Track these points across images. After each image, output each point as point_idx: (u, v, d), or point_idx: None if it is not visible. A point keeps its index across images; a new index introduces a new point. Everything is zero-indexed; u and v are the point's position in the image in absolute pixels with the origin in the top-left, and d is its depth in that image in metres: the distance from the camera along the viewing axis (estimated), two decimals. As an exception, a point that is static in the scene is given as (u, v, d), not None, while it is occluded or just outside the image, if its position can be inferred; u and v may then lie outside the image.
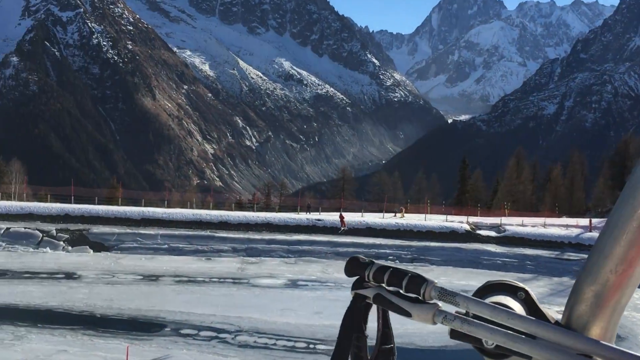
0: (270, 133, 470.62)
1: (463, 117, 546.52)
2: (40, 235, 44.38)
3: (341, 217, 50.21)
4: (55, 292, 34.65)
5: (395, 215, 56.67)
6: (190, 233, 47.29)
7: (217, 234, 47.49)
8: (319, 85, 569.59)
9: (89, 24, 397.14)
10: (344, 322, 1.43)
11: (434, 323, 1.25)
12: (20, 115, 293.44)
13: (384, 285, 1.37)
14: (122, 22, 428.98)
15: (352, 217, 52.93)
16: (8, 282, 36.19)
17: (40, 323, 29.71)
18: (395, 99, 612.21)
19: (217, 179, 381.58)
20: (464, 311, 1.24)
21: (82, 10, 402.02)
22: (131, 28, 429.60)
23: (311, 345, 28.88)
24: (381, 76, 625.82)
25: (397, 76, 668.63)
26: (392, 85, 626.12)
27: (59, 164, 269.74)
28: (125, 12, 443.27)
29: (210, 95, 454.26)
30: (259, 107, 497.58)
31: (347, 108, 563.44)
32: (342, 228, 49.53)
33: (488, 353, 1.23)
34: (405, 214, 57.12)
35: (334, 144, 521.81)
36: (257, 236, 48.03)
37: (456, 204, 71.59)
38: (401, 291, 1.32)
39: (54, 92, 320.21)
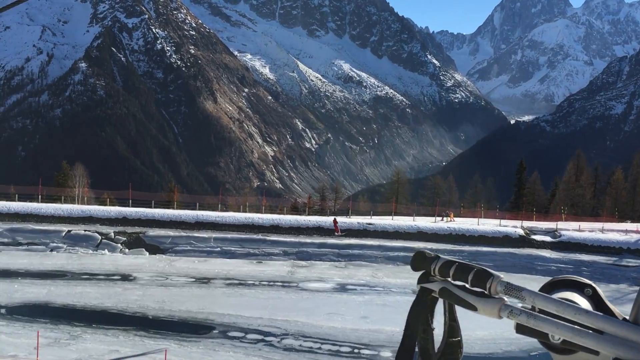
0: (329, 135, 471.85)
1: (526, 118, 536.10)
2: (99, 237, 45.99)
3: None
4: (111, 293, 35.92)
5: (442, 220, 56.16)
6: (243, 236, 48.09)
7: (268, 238, 48.13)
8: (378, 86, 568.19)
9: (154, 29, 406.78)
10: (410, 314, 1.48)
11: (500, 317, 1.26)
12: (88, 119, 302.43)
13: (449, 279, 1.41)
14: (185, 27, 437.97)
15: (403, 222, 52.80)
16: (67, 283, 37.69)
17: (95, 323, 30.88)
18: (456, 100, 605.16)
19: (276, 181, 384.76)
20: (529, 306, 1.25)
21: (146, 16, 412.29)
22: (194, 33, 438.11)
23: (356, 350, 29.10)
24: (442, 77, 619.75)
25: (458, 77, 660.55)
26: (452, 86, 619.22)
27: (125, 166, 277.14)
28: (188, 17, 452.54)
29: (270, 98, 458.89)
30: (318, 109, 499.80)
31: (407, 109, 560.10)
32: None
33: (554, 348, 1.26)
34: (454, 218, 56.59)
35: (394, 146, 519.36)
36: (308, 240, 48.45)
37: (512, 208, 70.35)
38: (467, 285, 1.36)
39: (120, 97, 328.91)
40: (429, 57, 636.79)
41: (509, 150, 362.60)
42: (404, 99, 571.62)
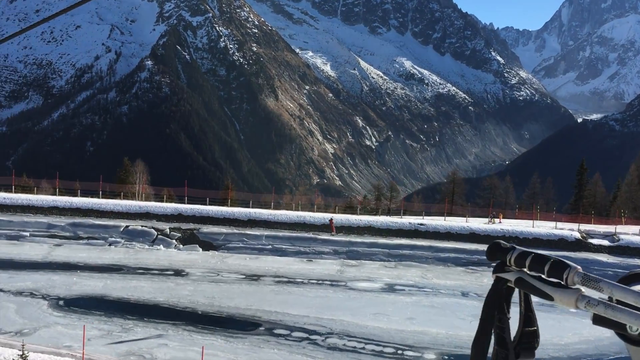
0: (390, 133, 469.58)
1: (594, 117, 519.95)
2: (155, 233, 47.39)
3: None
4: (164, 288, 37.05)
5: (490, 221, 55.34)
6: (294, 234, 48.71)
7: (319, 236, 48.59)
8: (440, 84, 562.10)
9: (217, 28, 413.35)
10: (486, 304, 1.51)
11: (577, 307, 1.29)
12: (153, 116, 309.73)
13: (525, 269, 1.44)
14: (248, 25, 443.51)
15: (455, 223, 52.40)
16: (123, 277, 39.06)
17: (147, 317, 31.95)
18: (521, 98, 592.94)
19: (336, 178, 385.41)
20: (607, 297, 1.25)
21: (210, 15, 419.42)
22: (256, 31, 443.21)
23: (399, 351, 29.19)
24: (506, 74, 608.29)
25: (523, 74, 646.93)
26: (517, 83, 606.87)
27: (188, 162, 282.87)
28: (251, 15, 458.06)
29: (331, 95, 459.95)
30: (379, 106, 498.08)
31: (470, 107, 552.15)
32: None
33: (631, 339, 1.26)
34: (502, 220, 55.74)
35: (455, 144, 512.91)
36: (358, 239, 48.68)
37: (572, 210, 68.73)
38: (543, 276, 1.39)
39: (184, 94, 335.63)
40: (493, 54, 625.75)
41: (575, 150, 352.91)
42: (467, 97, 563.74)
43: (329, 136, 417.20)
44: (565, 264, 1.34)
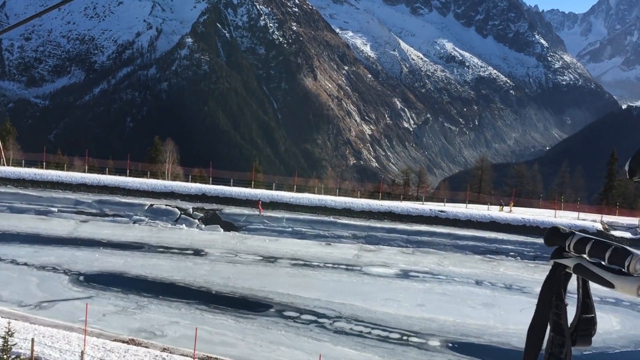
0: (428, 115, 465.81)
1: None
2: (179, 212, 48.50)
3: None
4: (181, 267, 38.09)
5: (501, 209, 55.04)
6: (314, 218, 49.27)
7: (339, 220, 49.08)
8: (481, 67, 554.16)
9: (257, 6, 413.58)
10: (543, 290, 1.50)
11: (638, 295, 1.28)
12: (192, 93, 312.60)
13: (584, 256, 1.43)
14: (289, 4, 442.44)
15: (476, 210, 52.36)
16: (143, 254, 40.23)
17: (162, 295, 33.00)
18: (564, 83, 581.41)
19: (373, 160, 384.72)
20: None
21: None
22: (296, 10, 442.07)
23: (404, 337, 29.69)
24: (549, 58, 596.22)
25: (567, 58, 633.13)
26: (560, 67, 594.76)
27: (225, 140, 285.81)
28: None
29: (370, 76, 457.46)
30: (418, 88, 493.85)
31: (511, 91, 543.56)
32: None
33: None
34: (512, 208, 55.44)
35: (495, 128, 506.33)
36: (378, 224, 49.03)
37: (600, 200, 67.82)
38: (603, 263, 1.38)
39: (223, 72, 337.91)
40: (536, 37, 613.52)
41: (619, 137, 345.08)
42: (508, 80, 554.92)
43: (366, 117, 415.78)
44: (627, 251, 1.33)
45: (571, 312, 1.52)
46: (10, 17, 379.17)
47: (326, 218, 49.35)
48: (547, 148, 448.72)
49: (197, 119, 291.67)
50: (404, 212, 50.43)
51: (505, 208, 55.03)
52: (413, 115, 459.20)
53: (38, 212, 47.16)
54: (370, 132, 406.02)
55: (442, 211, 50.67)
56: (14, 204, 48.11)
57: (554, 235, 1.50)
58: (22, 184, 50.93)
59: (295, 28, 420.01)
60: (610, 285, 1.32)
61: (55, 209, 47.55)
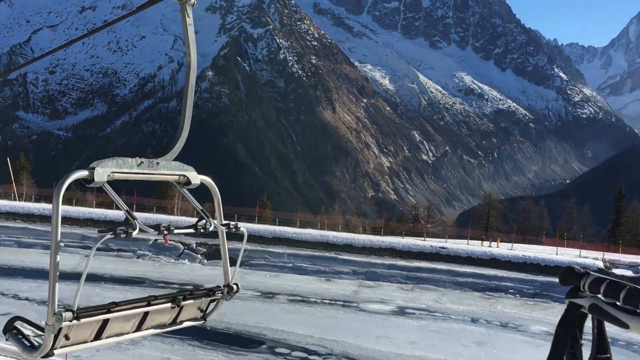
0: (447, 148, 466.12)
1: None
2: (182, 247, 49.31)
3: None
4: (179, 303, 38.67)
5: (489, 245, 55.27)
6: (316, 254, 49.74)
7: (340, 256, 49.50)
8: (500, 100, 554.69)
9: (277, 40, 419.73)
10: (558, 329, 1.55)
11: None
12: (212, 126, 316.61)
13: (599, 296, 1.47)
14: (308, 37, 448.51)
15: (477, 247, 52.59)
16: (143, 289, 40.93)
17: (157, 330, 33.55)
18: (584, 116, 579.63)
19: (392, 192, 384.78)
20: None
21: (271, 27, 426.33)
22: (316, 43, 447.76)
23: (393, 376, 29.97)
24: (569, 91, 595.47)
25: (587, 91, 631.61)
26: (580, 100, 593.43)
27: (244, 171, 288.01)
28: (311, 28, 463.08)
29: (388, 108, 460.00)
30: (437, 121, 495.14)
31: (530, 124, 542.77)
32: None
33: None
34: (499, 244, 55.68)
35: (514, 161, 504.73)
36: (378, 260, 49.40)
37: (609, 237, 67.58)
38: (618, 303, 1.42)
39: (243, 105, 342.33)
40: (556, 70, 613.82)
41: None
42: (527, 113, 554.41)
43: (385, 150, 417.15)
44: None
45: (586, 353, 1.51)
46: (36, 51, 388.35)
47: (327, 254, 49.81)
48: (568, 181, 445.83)
49: (216, 151, 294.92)
50: (405, 248, 50.79)
51: (493, 244, 55.27)
52: (432, 147, 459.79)
53: (45, 247, 48.15)
54: (388, 165, 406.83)
55: (443, 247, 50.98)
56: (22, 239, 49.28)
57: (569, 275, 1.55)
58: (30, 219, 52.16)
59: (314, 61, 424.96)
60: (625, 325, 1.36)
61: (62, 244, 48.05)
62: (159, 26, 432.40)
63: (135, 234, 2.55)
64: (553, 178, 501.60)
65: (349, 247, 50.62)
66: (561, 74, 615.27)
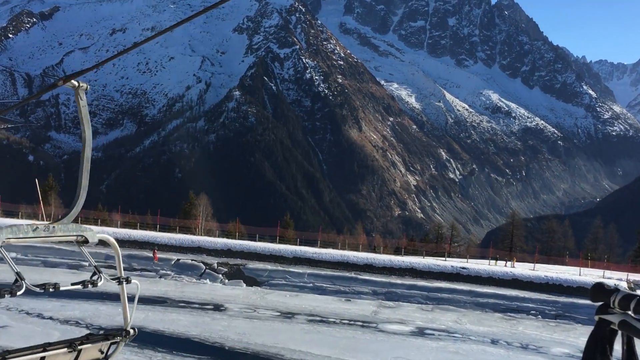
0: (474, 166, 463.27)
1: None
2: (204, 267, 49.89)
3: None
4: (199, 322, 39.13)
5: (505, 265, 54.86)
6: (336, 274, 49.95)
7: (360, 276, 49.65)
8: (528, 117, 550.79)
9: (304, 59, 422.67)
10: (588, 346, 1.56)
11: None
12: (239, 145, 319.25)
13: (630, 312, 1.49)
14: (334, 57, 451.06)
15: (499, 268, 52.31)
16: (164, 309, 41.48)
17: (176, 350, 33.98)
18: (614, 133, 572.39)
19: (418, 210, 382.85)
20: None
21: (298, 47, 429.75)
22: (342, 63, 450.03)
23: (406, 398, 29.98)
24: (598, 109, 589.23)
25: (617, 109, 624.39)
26: (610, 118, 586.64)
27: (271, 190, 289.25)
28: (337, 47, 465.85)
29: (415, 127, 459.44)
30: (463, 139, 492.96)
31: (559, 142, 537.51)
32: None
33: None
34: (515, 264, 55.27)
35: (543, 179, 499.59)
36: (398, 280, 49.41)
37: (635, 257, 66.64)
38: None
39: (269, 124, 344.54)
40: (584, 87, 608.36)
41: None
42: (556, 131, 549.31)
43: (411, 168, 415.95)
44: None
45: None
46: (68, 73, 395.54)
47: (347, 274, 49.99)
48: (598, 199, 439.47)
49: (243, 170, 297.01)
50: (426, 268, 50.75)
51: (509, 264, 54.91)
52: (459, 166, 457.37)
53: (70, 267, 49.16)
54: (415, 183, 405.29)
55: (464, 268, 50.82)
56: (48, 258, 50.34)
57: (599, 291, 1.55)
58: (56, 239, 53.18)
59: (340, 80, 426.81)
60: None
61: (87, 264, 49.40)
62: (187, 47, 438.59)
63: (20, 293, 2.51)
64: (583, 196, 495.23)
65: (369, 267, 50.77)
66: (590, 91, 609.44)
